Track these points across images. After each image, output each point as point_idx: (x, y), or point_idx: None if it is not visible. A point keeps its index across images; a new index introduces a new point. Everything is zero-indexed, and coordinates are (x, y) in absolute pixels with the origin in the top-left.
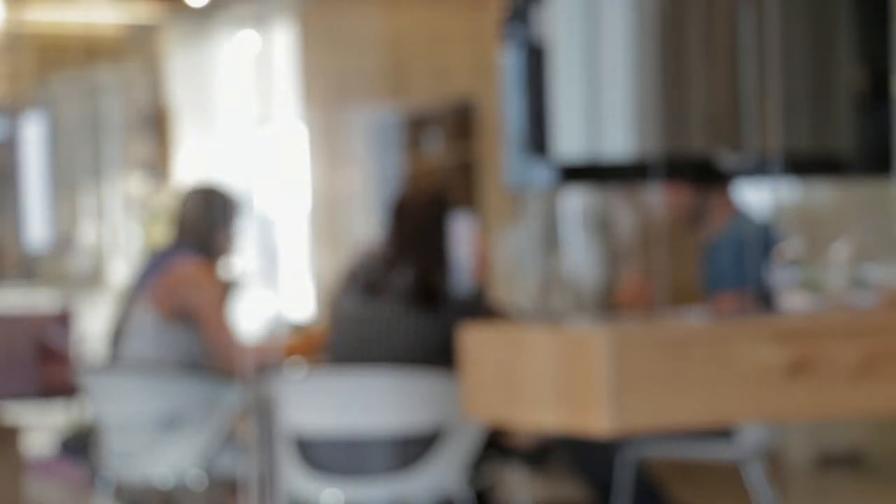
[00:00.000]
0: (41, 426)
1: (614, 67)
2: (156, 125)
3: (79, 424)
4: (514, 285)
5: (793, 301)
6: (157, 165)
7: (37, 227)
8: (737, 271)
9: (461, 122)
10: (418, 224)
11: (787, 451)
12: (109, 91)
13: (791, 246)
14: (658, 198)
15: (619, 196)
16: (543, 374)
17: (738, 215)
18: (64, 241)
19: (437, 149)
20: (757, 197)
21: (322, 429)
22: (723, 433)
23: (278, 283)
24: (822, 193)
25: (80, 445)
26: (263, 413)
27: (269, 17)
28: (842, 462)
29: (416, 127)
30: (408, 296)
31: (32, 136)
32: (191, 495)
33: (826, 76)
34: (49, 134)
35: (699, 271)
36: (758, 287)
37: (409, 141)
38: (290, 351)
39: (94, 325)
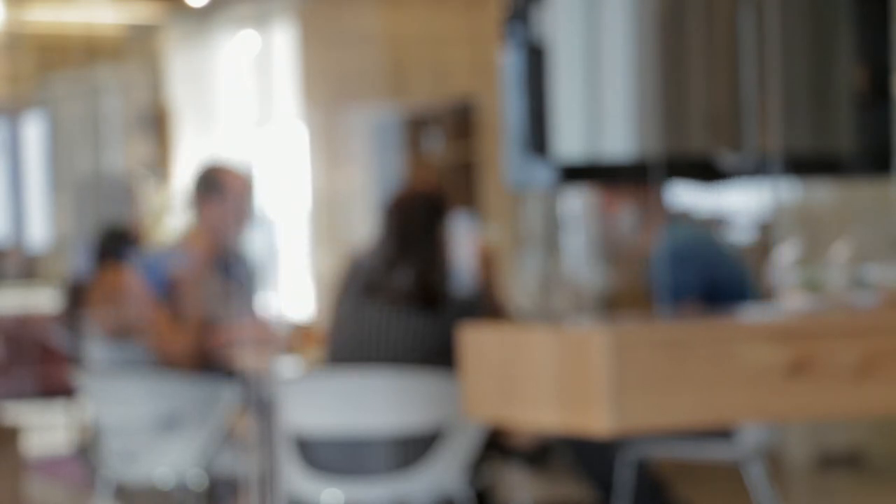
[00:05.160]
0: (41, 426)
1: (614, 67)
2: (156, 125)
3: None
4: (514, 285)
5: (793, 301)
6: (157, 165)
7: (37, 227)
8: (673, 284)
9: (461, 122)
10: (416, 224)
11: (787, 451)
12: (109, 91)
13: (790, 246)
14: (601, 208)
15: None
16: (543, 374)
17: (671, 222)
18: (64, 241)
19: (437, 149)
20: (757, 197)
21: (322, 429)
22: (723, 433)
23: (278, 282)
24: (822, 193)
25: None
26: (263, 413)
27: (269, 17)
28: (842, 462)
29: (416, 127)
30: (408, 296)
31: (32, 136)
32: (191, 495)
33: (826, 76)
34: (49, 134)
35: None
36: (701, 291)
37: (409, 141)
38: (290, 347)
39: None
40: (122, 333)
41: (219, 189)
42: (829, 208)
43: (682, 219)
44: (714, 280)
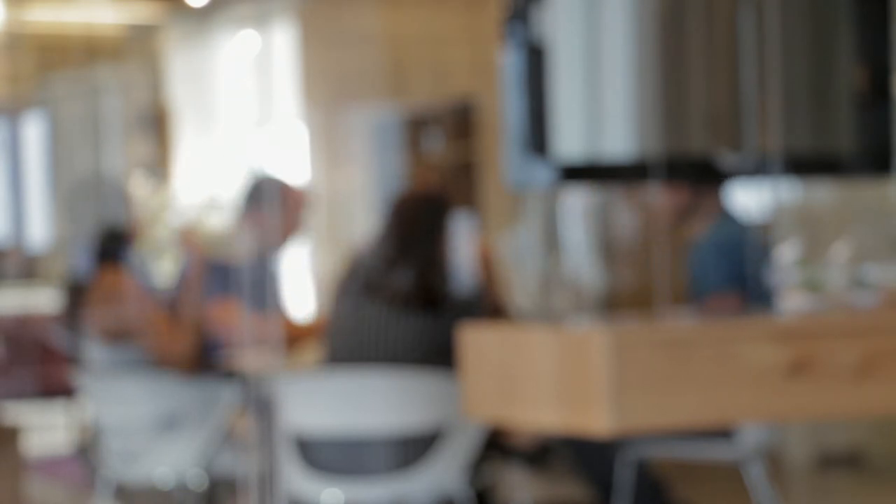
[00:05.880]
0: (41, 426)
1: (614, 67)
2: (156, 125)
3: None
4: (514, 285)
5: (793, 301)
6: (157, 165)
7: (37, 227)
8: (718, 273)
9: (461, 122)
10: (418, 225)
11: (787, 451)
12: (109, 91)
13: (790, 246)
14: (656, 195)
15: (620, 196)
16: (543, 374)
17: (724, 216)
18: (64, 241)
19: (437, 149)
20: (757, 197)
21: (322, 429)
22: (723, 433)
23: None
24: (822, 193)
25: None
26: (263, 413)
27: (269, 17)
28: (842, 462)
29: (416, 127)
30: (407, 296)
31: (32, 136)
32: (191, 495)
33: (826, 76)
34: (49, 134)
35: (684, 272)
36: (741, 287)
37: (409, 141)
38: (290, 340)
39: None
40: (119, 336)
41: (268, 200)
42: (829, 208)
43: (732, 217)
44: (755, 276)
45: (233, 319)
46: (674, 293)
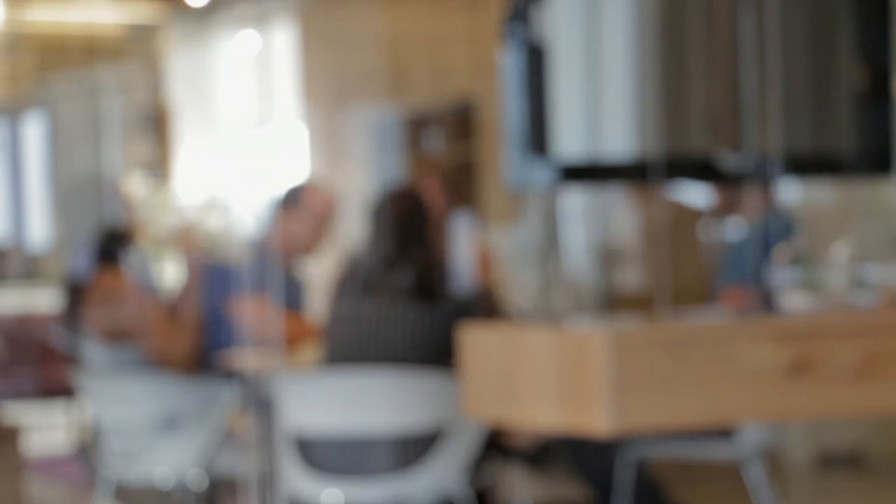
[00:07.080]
0: (41, 426)
1: (614, 67)
2: (156, 125)
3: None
4: (514, 285)
5: (793, 301)
6: (157, 165)
7: (37, 227)
8: (747, 267)
9: (461, 122)
10: (413, 222)
11: (787, 451)
12: (109, 91)
13: (792, 245)
14: (699, 194)
15: (621, 196)
16: (543, 374)
17: (772, 212)
18: (64, 241)
19: (437, 149)
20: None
21: (322, 429)
22: (723, 433)
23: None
24: (822, 193)
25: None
26: (263, 412)
27: (269, 17)
28: (842, 462)
29: (416, 127)
30: (407, 294)
31: (32, 136)
32: (191, 495)
33: (826, 76)
34: (49, 134)
35: (707, 269)
36: (764, 284)
37: (409, 141)
38: (290, 339)
39: None
40: (119, 336)
41: (299, 205)
42: (829, 208)
43: (780, 212)
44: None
45: (264, 317)
46: (685, 293)
